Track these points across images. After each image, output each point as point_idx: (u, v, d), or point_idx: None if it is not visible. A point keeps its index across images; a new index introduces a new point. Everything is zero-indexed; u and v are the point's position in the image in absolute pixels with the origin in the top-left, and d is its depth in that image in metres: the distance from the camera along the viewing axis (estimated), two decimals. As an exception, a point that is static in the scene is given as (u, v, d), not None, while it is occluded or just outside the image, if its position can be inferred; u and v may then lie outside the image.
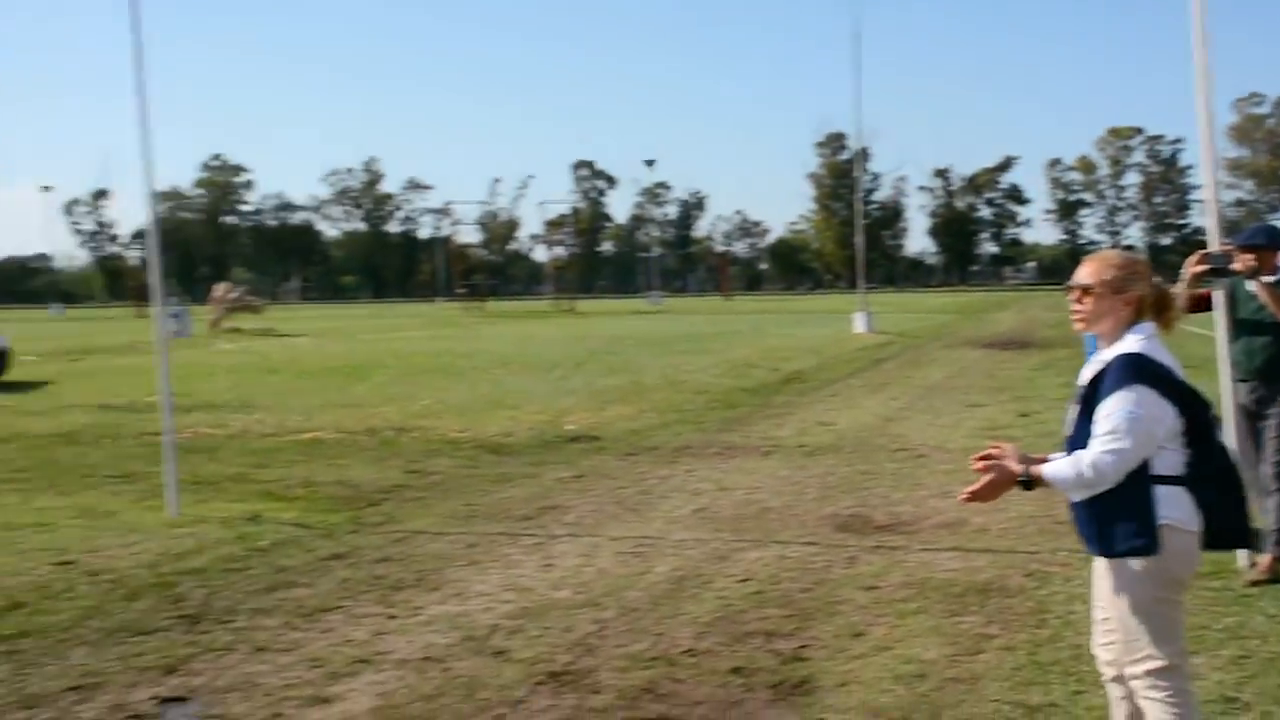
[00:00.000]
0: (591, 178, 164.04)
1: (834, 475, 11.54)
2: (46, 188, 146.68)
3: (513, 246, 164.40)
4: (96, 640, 6.59)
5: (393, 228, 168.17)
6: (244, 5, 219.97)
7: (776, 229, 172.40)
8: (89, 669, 6.10)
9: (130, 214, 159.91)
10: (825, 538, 8.83)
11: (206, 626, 6.82)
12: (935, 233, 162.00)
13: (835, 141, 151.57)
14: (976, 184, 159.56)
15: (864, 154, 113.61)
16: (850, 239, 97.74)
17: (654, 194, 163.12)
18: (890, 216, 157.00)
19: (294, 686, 5.77)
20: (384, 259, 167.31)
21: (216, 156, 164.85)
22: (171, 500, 10.25)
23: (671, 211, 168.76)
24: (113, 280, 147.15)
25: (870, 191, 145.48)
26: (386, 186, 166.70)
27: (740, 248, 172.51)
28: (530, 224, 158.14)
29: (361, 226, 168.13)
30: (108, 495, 11.21)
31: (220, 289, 57.41)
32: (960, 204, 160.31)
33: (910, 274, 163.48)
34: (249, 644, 6.47)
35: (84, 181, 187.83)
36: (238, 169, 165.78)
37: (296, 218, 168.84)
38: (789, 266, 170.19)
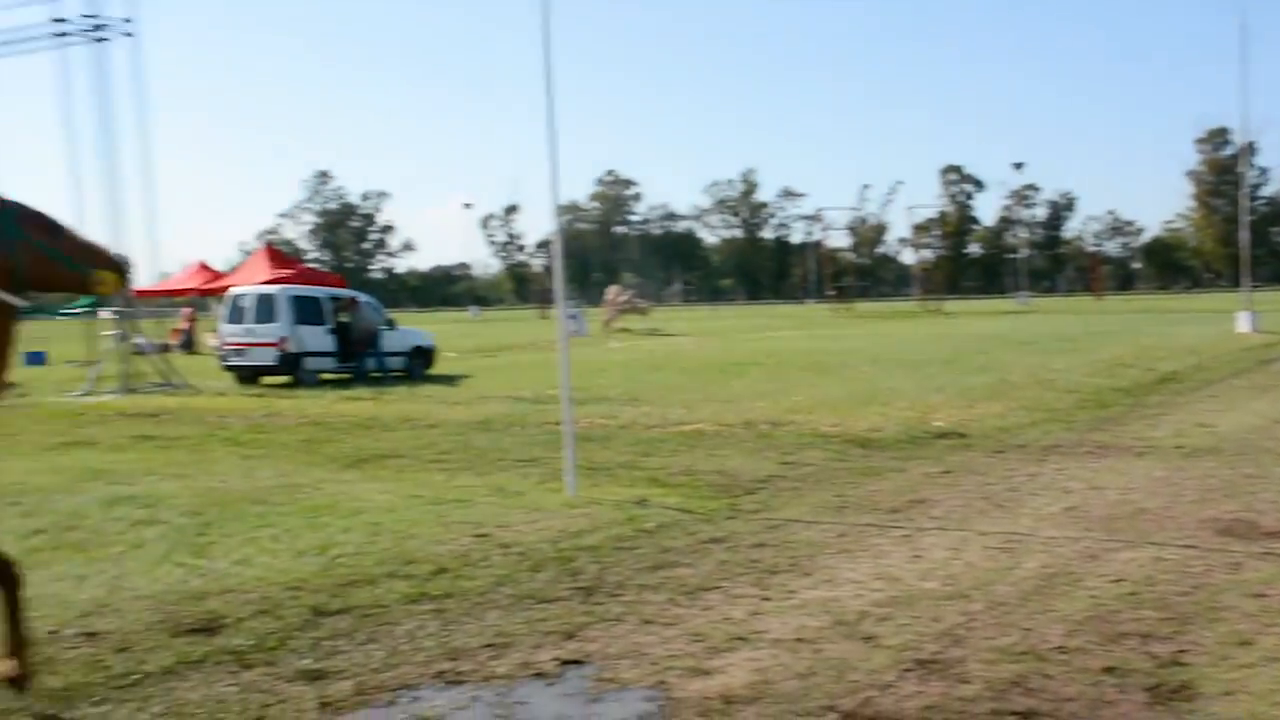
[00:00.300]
0: (960, 181, 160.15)
1: (1214, 478, 10.77)
2: (468, 205, 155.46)
3: (881, 250, 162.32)
4: (507, 605, 6.93)
5: (767, 234, 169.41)
6: (629, 33, 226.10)
7: (1151, 228, 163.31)
8: (501, 629, 6.43)
9: (536, 226, 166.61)
10: (1205, 541, 8.23)
11: (600, 598, 7.05)
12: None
13: (1217, 137, 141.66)
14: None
15: (1250, 148, 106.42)
16: (1233, 236, 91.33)
17: (1022, 196, 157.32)
18: (1279, 212, 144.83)
19: (677, 658, 5.89)
20: (758, 263, 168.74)
21: (610, 172, 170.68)
22: (570, 483, 10.67)
23: (1040, 213, 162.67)
24: (520, 285, 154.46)
25: (1257, 187, 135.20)
26: (762, 195, 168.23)
27: (1112, 247, 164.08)
28: (898, 228, 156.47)
29: (738, 233, 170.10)
30: (516, 476, 11.74)
31: (612, 292, 59.24)
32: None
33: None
34: (637, 616, 6.65)
35: (498, 199, 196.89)
36: (628, 183, 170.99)
37: (679, 226, 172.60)
38: (1165, 265, 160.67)
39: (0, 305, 5.30)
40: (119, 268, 5.81)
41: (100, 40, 45.01)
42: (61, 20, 43.61)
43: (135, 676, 5.76)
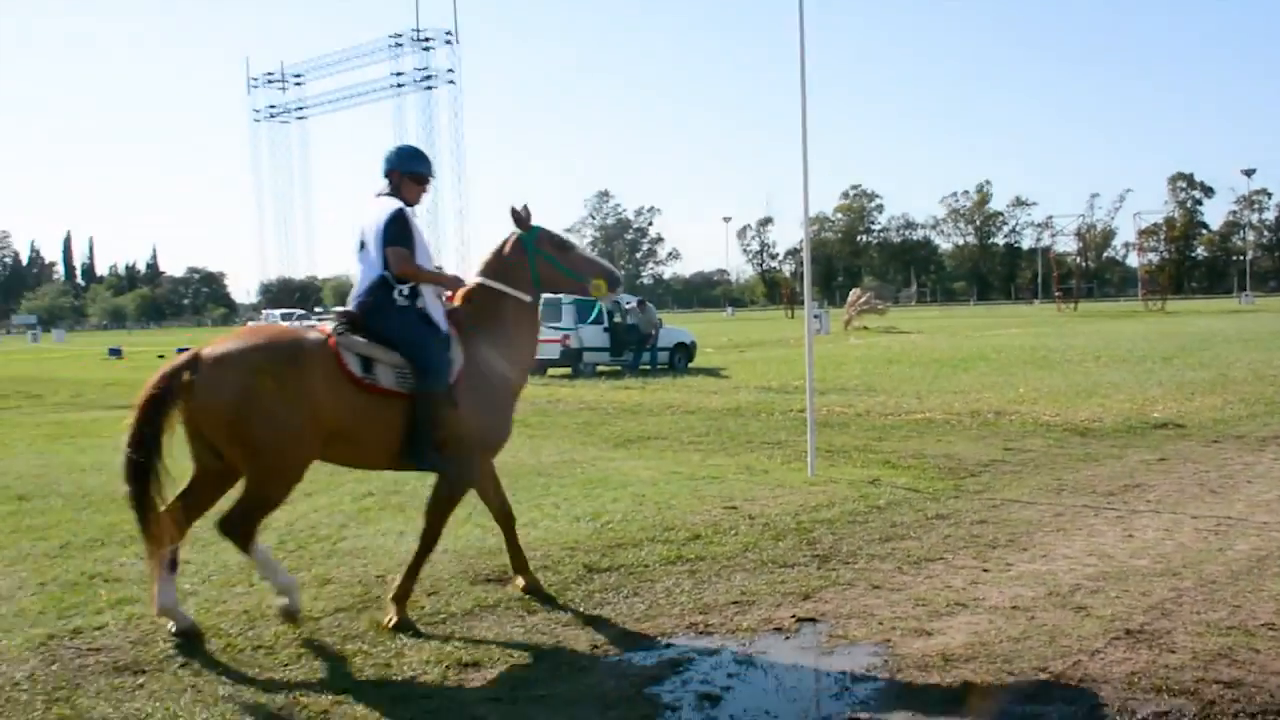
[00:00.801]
0: (1189, 188, 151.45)
1: None
2: (727, 219, 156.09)
3: (1108, 254, 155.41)
4: (751, 568, 7.03)
5: (998, 240, 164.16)
6: (873, 59, 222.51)
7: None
8: (746, 589, 6.53)
9: (786, 236, 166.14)
10: None
11: (834, 565, 7.06)
12: None
13: None
14: None
15: None
16: None
17: (1252, 201, 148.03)
18: None
19: (902, 620, 5.87)
20: (989, 266, 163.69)
21: (855, 186, 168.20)
22: (810, 463, 10.69)
23: (1270, 216, 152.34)
24: (770, 288, 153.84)
25: None
26: (995, 205, 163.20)
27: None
28: (1125, 233, 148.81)
29: (971, 240, 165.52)
30: (763, 457, 11.80)
31: (853, 294, 58.62)
32: None
33: None
34: (866, 582, 6.65)
35: (754, 212, 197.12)
36: (871, 195, 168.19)
37: (916, 234, 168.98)
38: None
39: (524, 300, 6.60)
40: (610, 277, 6.97)
41: (429, 88, 46.94)
42: (400, 74, 45.76)
43: (442, 615, 6.11)
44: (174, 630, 5.76)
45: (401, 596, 6.04)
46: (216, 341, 5.87)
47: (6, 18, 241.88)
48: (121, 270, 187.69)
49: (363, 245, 6.36)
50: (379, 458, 6.29)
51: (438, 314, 6.28)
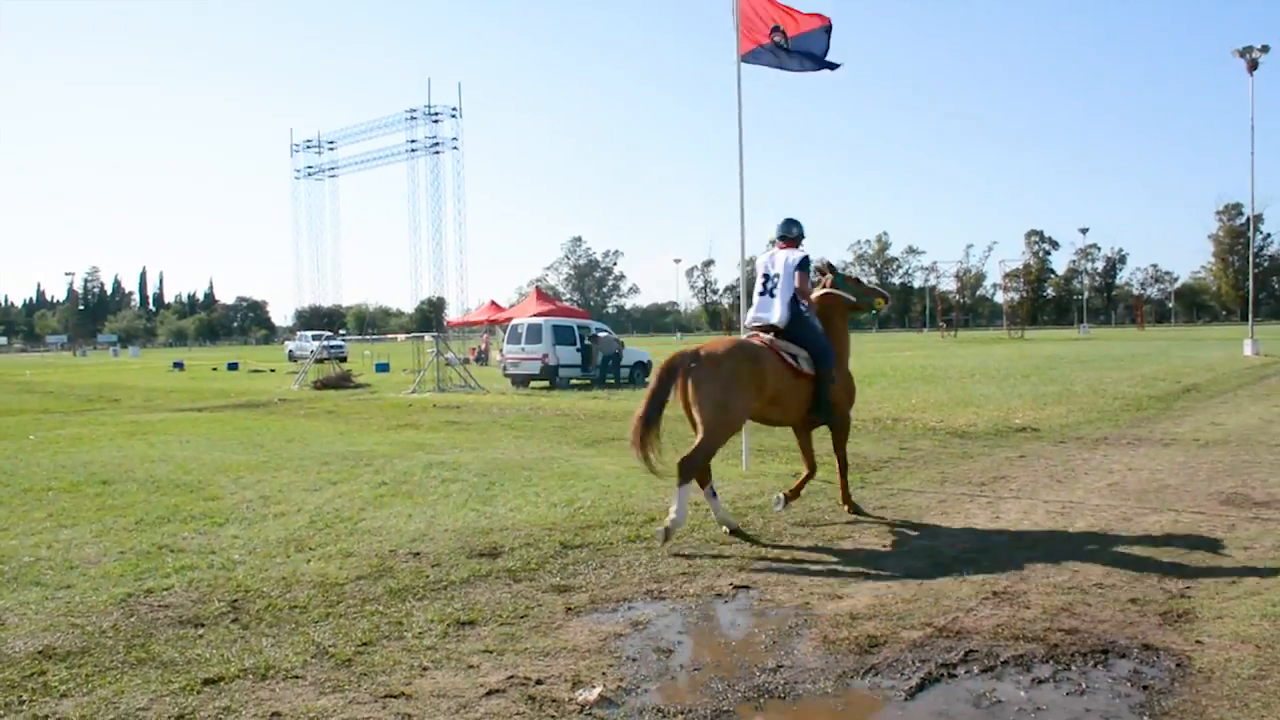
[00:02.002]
0: (1040, 241, 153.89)
1: (1221, 463, 10.24)
2: (677, 260, 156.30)
3: (980, 292, 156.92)
4: (697, 545, 7.03)
5: (895, 279, 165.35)
6: (801, 128, 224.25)
7: (1183, 276, 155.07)
8: (692, 562, 6.54)
9: (725, 274, 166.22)
10: (1211, 509, 7.89)
11: (764, 543, 7.09)
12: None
13: (1232, 210, 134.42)
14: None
15: (1257, 219, 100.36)
16: (1243, 284, 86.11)
17: (1086, 252, 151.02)
18: (1278, 266, 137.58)
19: (819, 586, 5.91)
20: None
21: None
22: (745, 460, 10.71)
23: (1100, 265, 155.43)
24: (712, 317, 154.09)
25: (1261, 248, 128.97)
26: (892, 251, 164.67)
27: (1153, 291, 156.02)
28: (993, 275, 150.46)
29: (873, 280, 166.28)
30: (705, 455, 11.83)
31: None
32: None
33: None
34: (790, 556, 6.68)
35: (699, 255, 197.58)
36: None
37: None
38: (1191, 305, 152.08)
39: (843, 314, 8.52)
40: (885, 297, 8.98)
41: (436, 153, 47.22)
42: (414, 142, 46.24)
43: (444, 583, 6.08)
44: (728, 530, 7.37)
45: (847, 497, 8.18)
46: (707, 345, 7.45)
47: (99, 89, 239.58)
48: (185, 298, 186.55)
49: (767, 278, 8.17)
50: (797, 415, 7.98)
51: (818, 323, 8.05)
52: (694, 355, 7.36)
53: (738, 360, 7.33)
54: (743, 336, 8.17)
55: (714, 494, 7.55)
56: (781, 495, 8.16)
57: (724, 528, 7.42)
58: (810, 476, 8.35)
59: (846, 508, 8.08)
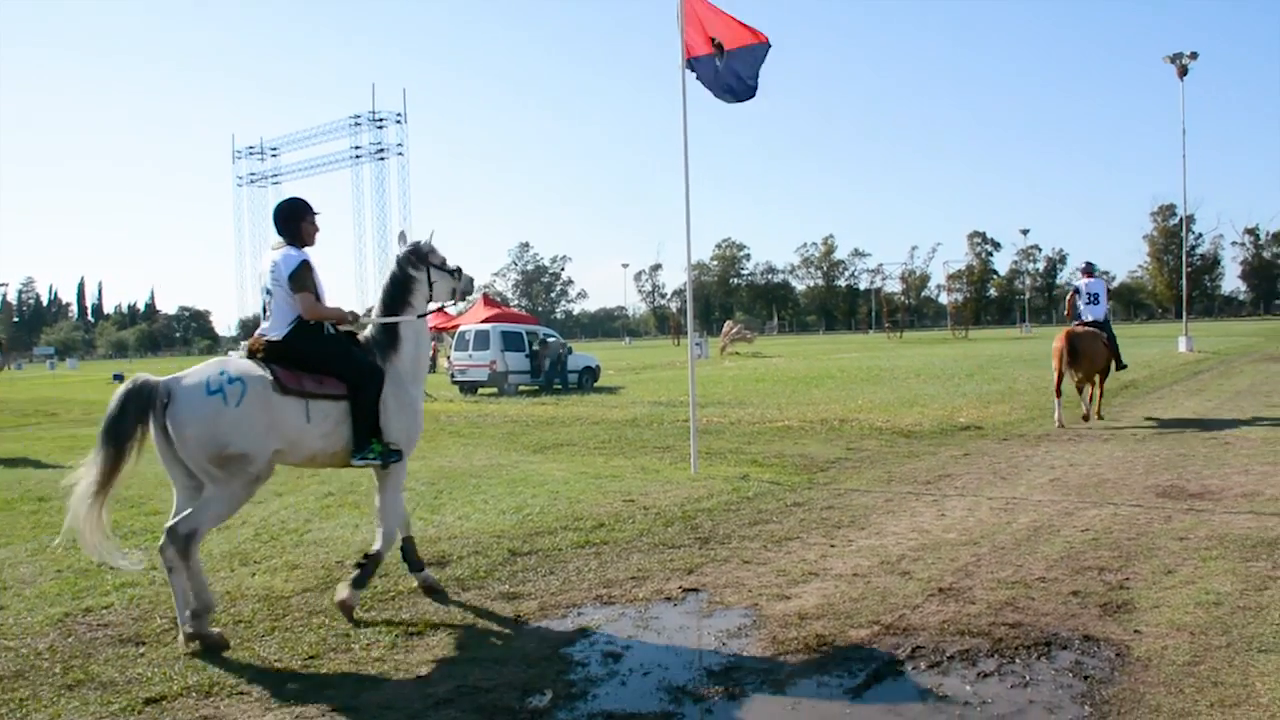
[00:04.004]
0: (983, 243, 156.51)
1: (1158, 456, 10.50)
2: (625, 264, 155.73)
3: (925, 293, 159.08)
4: (646, 550, 7.03)
5: (841, 282, 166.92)
6: (746, 133, 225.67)
7: (1120, 275, 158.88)
8: (641, 567, 6.53)
9: (672, 279, 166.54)
10: (1148, 502, 8.07)
11: (712, 545, 7.10)
12: (1245, 277, 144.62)
13: (1166, 211, 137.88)
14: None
15: (1189, 220, 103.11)
16: (1178, 282, 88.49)
17: (1028, 253, 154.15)
18: (1210, 265, 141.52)
19: (767, 587, 5.93)
20: (834, 303, 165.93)
21: (727, 239, 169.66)
22: (693, 463, 10.74)
23: (1041, 265, 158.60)
24: (660, 321, 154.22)
25: (1194, 247, 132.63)
26: (838, 255, 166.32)
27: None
28: (937, 277, 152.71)
29: (820, 282, 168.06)
30: (655, 459, 11.80)
31: (727, 326, 59.13)
32: (1267, 254, 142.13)
33: (1224, 308, 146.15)
34: (738, 558, 6.70)
35: (647, 259, 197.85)
36: (740, 246, 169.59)
37: (777, 278, 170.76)
38: (1128, 303, 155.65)
39: None
40: None
41: (381, 159, 46.74)
42: (358, 148, 45.70)
43: (392, 593, 6.01)
44: None
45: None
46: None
47: (30, 95, 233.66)
48: (125, 309, 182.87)
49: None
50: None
51: None
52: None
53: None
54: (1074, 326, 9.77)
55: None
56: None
57: None
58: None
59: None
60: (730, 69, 10.59)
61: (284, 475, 11.18)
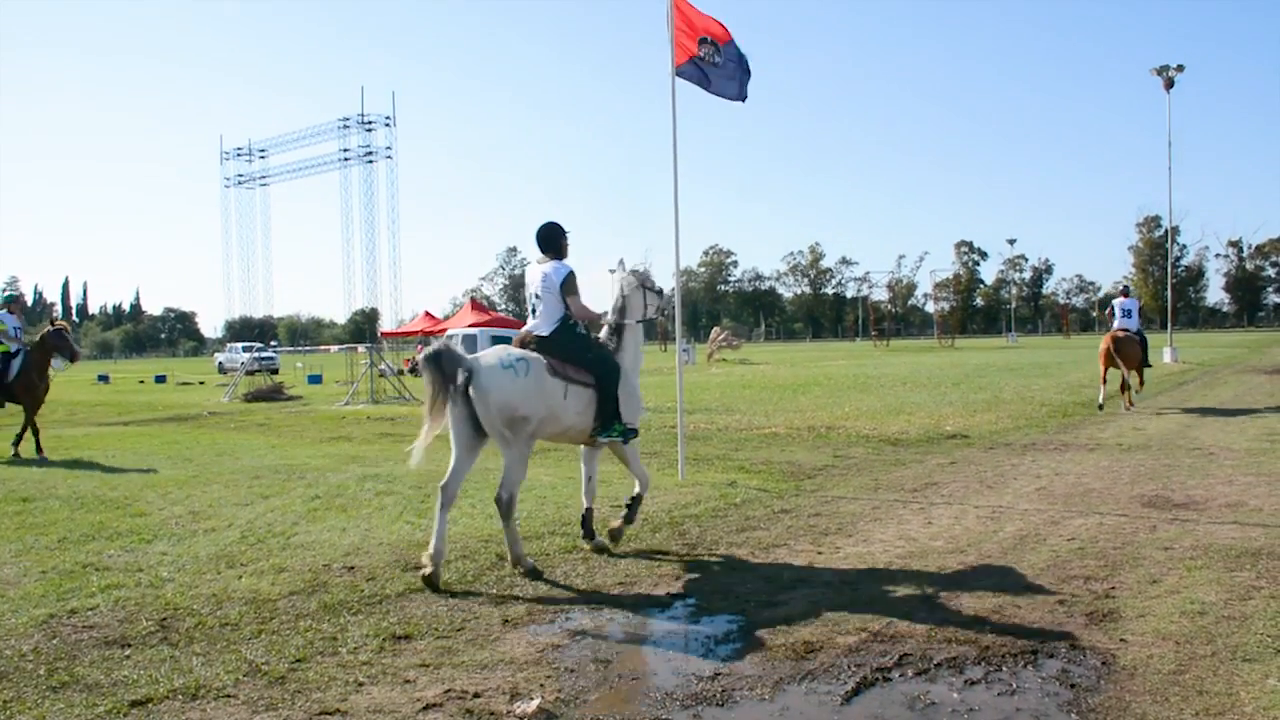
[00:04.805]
0: (969, 252, 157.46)
1: (1143, 466, 10.54)
2: (611, 270, 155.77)
3: (911, 302, 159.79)
4: (633, 555, 7.02)
5: (828, 290, 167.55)
6: (732, 143, 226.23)
7: (1106, 285, 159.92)
8: (629, 572, 6.53)
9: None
10: (1134, 511, 8.11)
11: (700, 551, 7.11)
12: (1229, 288, 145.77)
13: (1151, 223, 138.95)
14: (1264, 251, 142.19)
15: (1174, 231, 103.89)
16: (1162, 293, 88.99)
17: (1014, 263, 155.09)
18: (1194, 276, 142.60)
19: (754, 594, 5.93)
20: (821, 311, 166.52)
21: (714, 245, 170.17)
22: (680, 469, 10.74)
23: (1027, 275, 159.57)
24: (648, 327, 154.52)
25: (1178, 259, 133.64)
26: (825, 263, 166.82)
27: (1078, 300, 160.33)
28: (924, 285, 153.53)
29: (807, 290, 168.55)
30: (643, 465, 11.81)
31: (714, 333, 59.15)
32: (1250, 266, 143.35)
33: (1208, 319, 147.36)
34: (726, 565, 6.70)
35: (633, 265, 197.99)
36: (728, 253, 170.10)
37: (764, 285, 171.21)
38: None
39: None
40: None
41: (370, 162, 46.78)
42: (347, 150, 45.76)
43: (379, 597, 5.99)
44: None
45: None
46: None
47: (17, 95, 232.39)
48: (110, 309, 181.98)
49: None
50: None
51: None
52: None
53: None
54: None
55: None
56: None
57: None
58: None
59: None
60: (727, 63, 10.65)
61: (271, 479, 11.14)
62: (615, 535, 7.24)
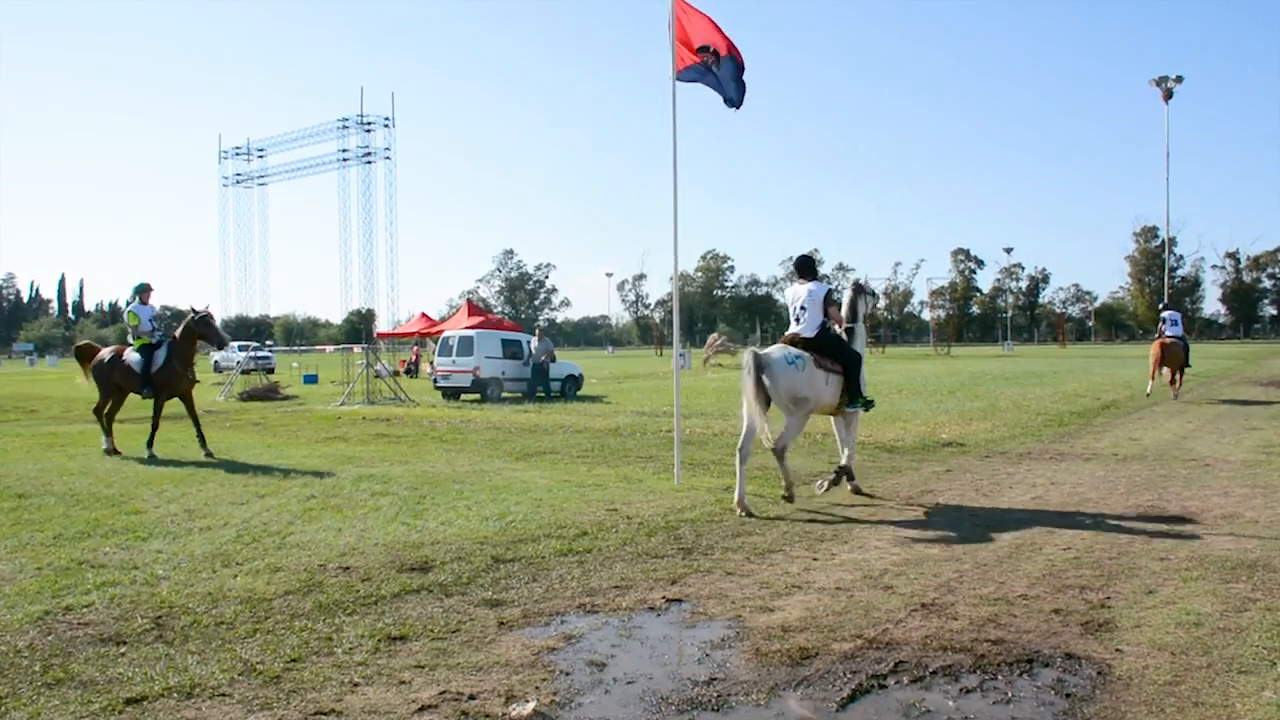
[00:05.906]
0: (966, 260, 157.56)
1: (1139, 476, 10.56)
2: (609, 274, 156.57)
3: (908, 309, 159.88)
4: (629, 559, 7.02)
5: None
6: (730, 150, 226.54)
7: (1102, 295, 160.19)
8: (625, 576, 6.52)
9: (656, 289, 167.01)
10: (1129, 521, 8.11)
11: (695, 556, 7.09)
12: (1225, 300, 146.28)
13: (1148, 233, 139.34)
14: (1260, 262, 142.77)
15: (1171, 242, 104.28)
16: (1159, 304, 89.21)
17: (1011, 271, 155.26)
18: (1191, 287, 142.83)
19: (750, 599, 5.93)
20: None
21: (711, 250, 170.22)
22: (676, 473, 10.74)
23: (1023, 284, 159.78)
24: (643, 331, 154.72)
25: (1175, 269, 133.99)
26: (823, 269, 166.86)
27: (1074, 310, 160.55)
28: (920, 293, 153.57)
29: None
30: (638, 469, 11.78)
31: (711, 338, 59.15)
32: (1246, 278, 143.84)
33: (1205, 330, 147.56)
34: (721, 569, 6.70)
35: (631, 269, 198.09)
36: (725, 258, 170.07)
37: (761, 290, 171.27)
38: (1110, 323, 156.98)
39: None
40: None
41: (369, 163, 46.79)
42: (345, 151, 45.80)
43: (374, 597, 5.97)
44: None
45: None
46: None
47: (13, 92, 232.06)
48: (106, 307, 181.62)
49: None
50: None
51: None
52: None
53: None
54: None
55: None
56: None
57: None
58: None
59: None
60: (728, 72, 10.65)
61: (266, 478, 11.11)
62: (837, 480, 9.62)
